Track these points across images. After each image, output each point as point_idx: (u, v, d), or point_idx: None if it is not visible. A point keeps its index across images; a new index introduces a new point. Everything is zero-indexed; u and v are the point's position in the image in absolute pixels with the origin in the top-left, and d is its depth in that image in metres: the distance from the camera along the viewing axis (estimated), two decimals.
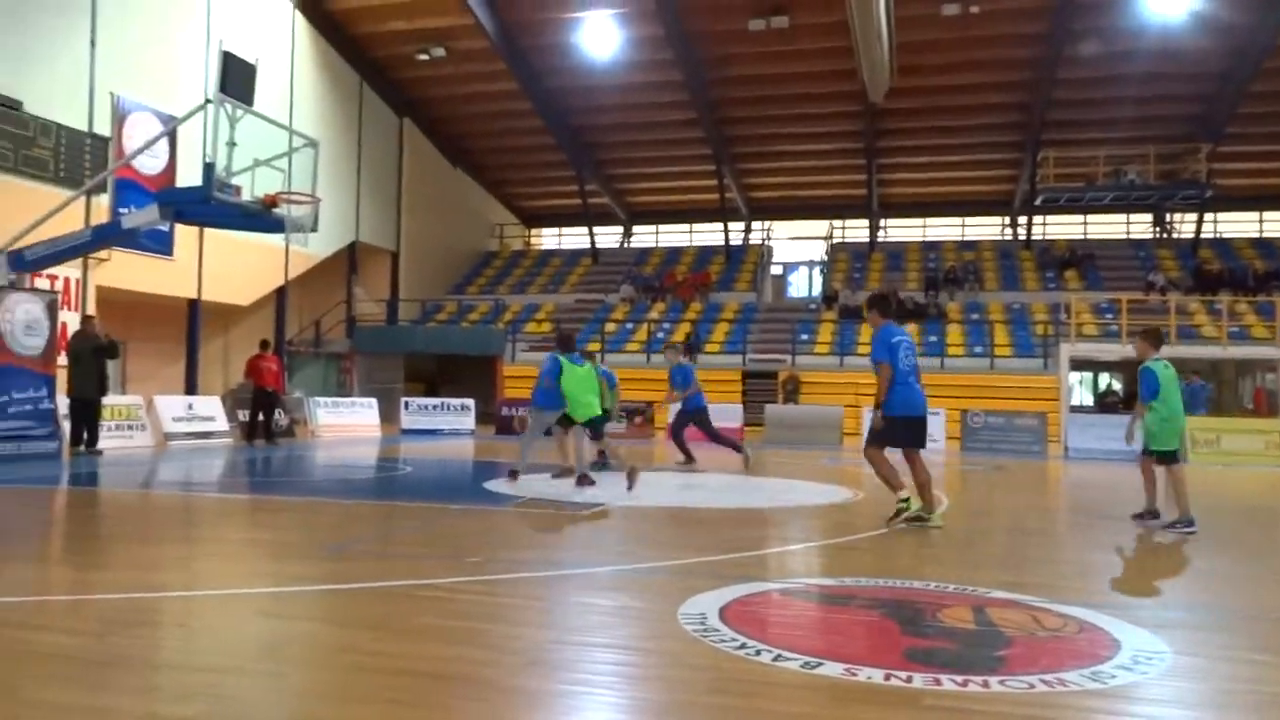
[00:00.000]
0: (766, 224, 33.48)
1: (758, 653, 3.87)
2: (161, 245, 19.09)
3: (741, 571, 5.74)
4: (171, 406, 16.01)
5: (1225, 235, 29.77)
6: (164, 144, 18.42)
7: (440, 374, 27.54)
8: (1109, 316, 23.83)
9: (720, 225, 31.91)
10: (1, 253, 12.12)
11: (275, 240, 20.52)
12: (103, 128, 17.91)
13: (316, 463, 13.55)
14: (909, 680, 3.56)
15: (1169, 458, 8.09)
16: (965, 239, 32.15)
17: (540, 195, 35.01)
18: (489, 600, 4.91)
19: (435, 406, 21.24)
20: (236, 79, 11.78)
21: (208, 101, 12.06)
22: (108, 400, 13.83)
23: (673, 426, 13.87)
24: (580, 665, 3.83)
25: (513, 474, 10.22)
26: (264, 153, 12.41)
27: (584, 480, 9.88)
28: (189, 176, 17.47)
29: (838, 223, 33.12)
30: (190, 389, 20.38)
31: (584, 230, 33.21)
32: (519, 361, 25.53)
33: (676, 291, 29.44)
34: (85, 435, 13.14)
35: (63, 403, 13.08)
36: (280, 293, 23.82)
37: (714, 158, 29.37)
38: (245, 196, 11.89)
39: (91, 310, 16.76)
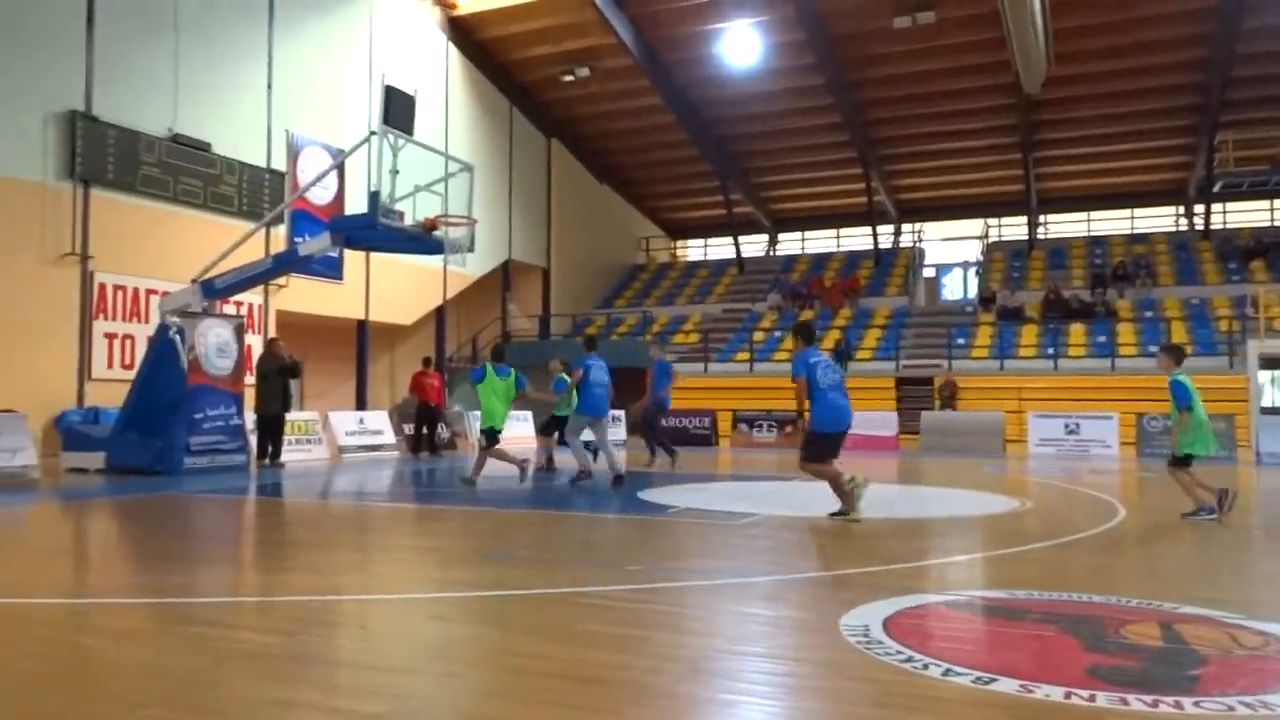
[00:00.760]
0: (917, 225, 32.48)
1: (925, 666, 3.76)
2: (332, 270, 20.35)
3: (904, 583, 5.59)
4: (344, 421, 16.99)
5: None
6: (333, 175, 19.63)
7: None
8: None
9: (868, 229, 31.20)
10: (195, 283, 13.20)
11: (434, 262, 21.58)
12: (279, 163, 19.28)
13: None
14: (1092, 699, 3.38)
15: (1186, 461, 8.69)
16: (1135, 232, 30.19)
17: (685, 207, 35.22)
18: (650, 608, 4.93)
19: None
20: (398, 110, 12.40)
21: (372, 133, 12.77)
22: (289, 416, 14.80)
23: (643, 424, 14.30)
24: (742, 674, 3.82)
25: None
26: (423, 178, 13.02)
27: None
28: (356, 204, 18.58)
29: (993, 221, 31.80)
30: (360, 405, 21.57)
31: (729, 240, 33.17)
32: None
33: (825, 298, 28.97)
34: (270, 449, 14.12)
35: (249, 419, 14.10)
36: (440, 311, 24.90)
37: (860, 160, 28.79)
38: (407, 221, 12.46)
39: (273, 333, 18.01)
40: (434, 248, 13.13)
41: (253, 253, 15.07)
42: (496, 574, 5.94)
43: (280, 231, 18.95)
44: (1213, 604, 4.98)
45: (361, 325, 21.96)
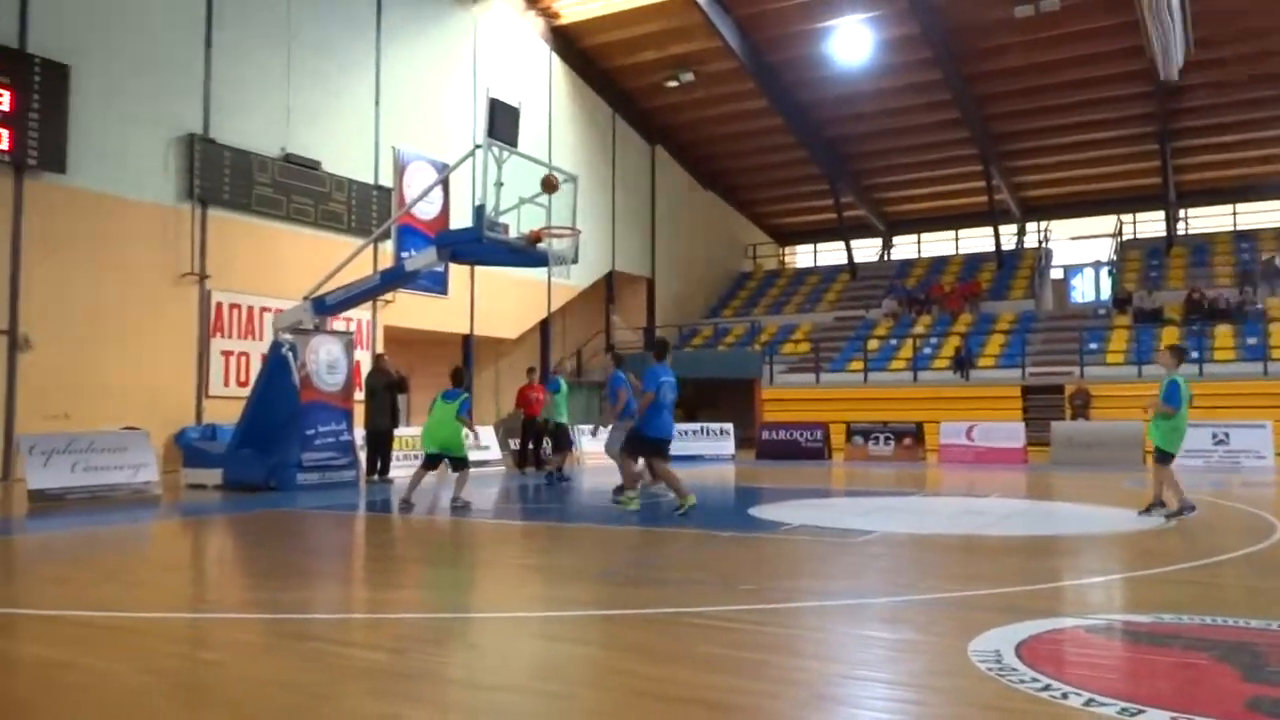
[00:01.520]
0: (1043, 224, 30.86)
1: (1064, 695, 3.44)
2: (438, 285, 20.46)
3: (1037, 605, 5.14)
4: None
5: None
6: (438, 190, 19.73)
7: (698, 398, 27.51)
8: None
9: (989, 229, 29.77)
10: (306, 300, 13.30)
11: (538, 275, 21.41)
12: (386, 179, 19.50)
13: (582, 489, 13.73)
14: None
15: (1168, 458, 9.07)
16: None
17: (793, 211, 34.40)
18: (765, 630, 4.69)
19: (694, 431, 21.12)
20: (502, 123, 12.19)
21: (477, 147, 12.59)
22: (398, 431, 14.80)
23: (610, 444, 12.41)
24: (866, 702, 3.57)
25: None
26: (527, 191, 12.74)
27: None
28: (461, 218, 18.60)
29: (1126, 217, 29.94)
30: None
31: (840, 245, 32.23)
32: (777, 384, 25.03)
33: (943, 303, 27.77)
34: (379, 464, 14.12)
35: (359, 434, 14.13)
36: (544, 324, 24.84)
37: (980, 158, 27.52)
38: (512, 234, 12.25)
39: (380, 349, 18.15)
40: (538, 260, 12.87)
41: (361, 269, 15.17)
42: (607, 593, 5.79)
43: (388, 247, 19.13)
44: None
45: (467, 339, 22.03)
